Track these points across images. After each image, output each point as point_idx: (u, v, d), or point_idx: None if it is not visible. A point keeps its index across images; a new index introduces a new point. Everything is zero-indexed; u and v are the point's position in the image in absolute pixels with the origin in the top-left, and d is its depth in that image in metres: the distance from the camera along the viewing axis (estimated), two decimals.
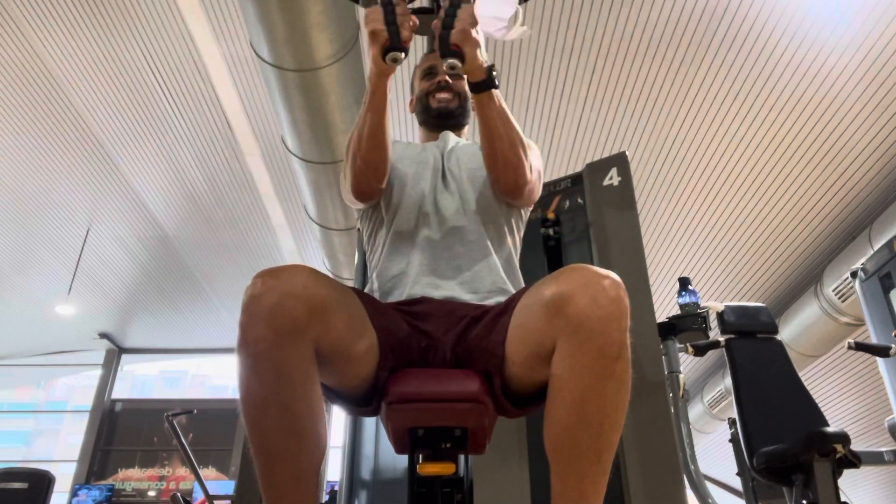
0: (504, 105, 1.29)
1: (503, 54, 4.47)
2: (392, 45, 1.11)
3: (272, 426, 0.99)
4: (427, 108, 1.60)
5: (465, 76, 1.63)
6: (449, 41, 1.09)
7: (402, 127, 5.21)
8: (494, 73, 1.18)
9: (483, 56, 1.18)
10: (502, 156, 1.33)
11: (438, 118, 1.59)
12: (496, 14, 1.19)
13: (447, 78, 1.59)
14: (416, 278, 1.33)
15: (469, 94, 1.63)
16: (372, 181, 1.37)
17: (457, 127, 1.61)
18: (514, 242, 1.47)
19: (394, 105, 4.97)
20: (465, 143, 1.57)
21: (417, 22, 1.15)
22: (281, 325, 0.95)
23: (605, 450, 1.00)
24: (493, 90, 1.22)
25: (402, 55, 1.11)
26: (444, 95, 1.58)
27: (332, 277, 1.08)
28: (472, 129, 1.69)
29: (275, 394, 0.98)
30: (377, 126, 1.28)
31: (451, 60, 1.09)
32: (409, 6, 2.10)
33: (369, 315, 1.16)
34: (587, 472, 1.00)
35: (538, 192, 1.49)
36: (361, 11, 3.95)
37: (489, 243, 1.39)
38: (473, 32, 1.12)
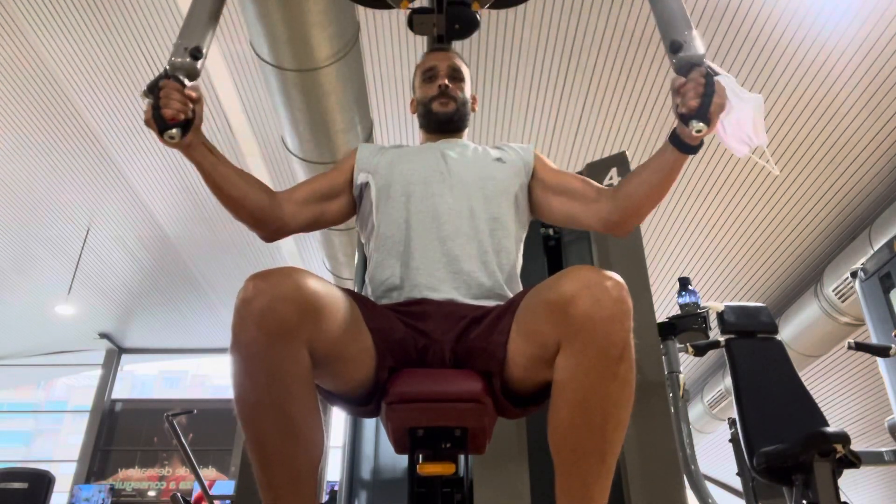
0: None
1: (503, 54, 4.47)
2: (161, 127, 1.17)
3: (266, 428, 0.99)
4: (428, 114, 1.60)
5: (466, 80, 1.65)
6: (709, 108, 1.12)
7: (401, 127, 5.21)
8: (701, 143, 1.22)
9: None
10: (653, 205, 1.35)
11: (439, 123, 1.59)
12: (749, 131, 1.25)
13: (446, 83, 1.60)
14: (412, 283, 1.33)
15: (468, 98, 1.64)
16: (256, 230, 1.44)
17: (457, 131, 1.61)
18: (517, 250, 1.46)
19: (393, 106, 4.97)
20: (472, 147, 1.56)
21: (193, 94, 1.21)
22: (272, 328, 0.95)
23: (610, 450, 1.01)
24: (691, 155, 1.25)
25: (176, 130, 1.17)
26: (444, 102, 1.59)
27: (325, 279, 1.08)
28: (470, 128, 1.69)
29: (268, 396, 0.98)
30: (217, 194, 1.34)
31: (700, 125, 1.12)
32: (411, 5, 2.10)
33: (364, 317, 1.16)
34: (592, 472, 1.01)
35: None
36: (360, 10, 3.89)
37: (490, 250, 1.38)
38: (724, 105, 1.16)
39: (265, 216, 1.40)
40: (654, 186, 1.29)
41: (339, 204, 1.52)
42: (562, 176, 1.52)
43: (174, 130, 1.17)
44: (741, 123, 1.22)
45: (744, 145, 1.24)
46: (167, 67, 1.23)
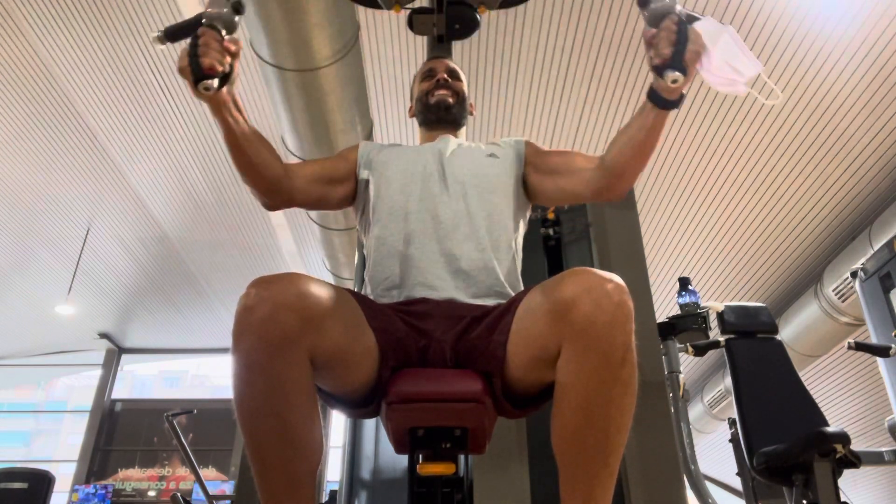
0: None
1: (503, 54, 4.47)
2: (197, 76, 1.11)
3: (266, 434, 0.99)
4: (427, 106, 1.61)
5: (464, 82, 1.66)
6: (683, 56, 1.09)
7: (401, 127, 5.21)
8: (684, 94, 1.19)
9: None
10: (640, 166, 1.33)
11: (437, 112, 1.60)
12: (736, 65, 1.16)
13: (445, 76, 1.61)
14: (411, 282, 1.33)
15: (466, 96, 1.65)
16: (260, 195, 1.40)
17: (455, 124, 1.62)
18: (516, 247, 1.46)
19: (393, 106, 4.97)
20: (466, 144, 1.57)
21: (232, 46, 1.15)
22: (273, 337, 0.95)
23: (612, 452, 1.01)
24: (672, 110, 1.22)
25: (213, 82, 1.12)
26: (443, 92, 1.59)
27: (327, 282, 1.08)
28: (470, 129, 1.69)
29: (267, 403, 0.98)
30: (234, 150, 1.29)
31: (676, 74, 1.09)
32: (409, 6, 2.10)
33: (366, 316, 1.16)
34: (595, 474, 1.01)
35: None
36: (360, 10, 3.92)
37: (489, 247, 1.38)
38: (701, 53, 1.12)
39: (278, 186, 1.38)
40: (637, 147, 1.27)
41: (344, 190, 1.52)
42: (551, 156, 1.51)
43: (210, 81, 1.11)
44: (726, 62, 1.16)
45: (736, 84, 1.17)
46: (203, 16, 1.17)
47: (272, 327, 0.95)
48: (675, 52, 1.09)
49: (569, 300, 0.98)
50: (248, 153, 1.29)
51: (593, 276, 1.00)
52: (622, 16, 4.15)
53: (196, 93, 1.13)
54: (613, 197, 1.37)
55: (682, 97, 1.18)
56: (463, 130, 1.65)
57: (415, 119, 1.69)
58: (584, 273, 1.01)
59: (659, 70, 1.10)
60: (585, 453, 1.01)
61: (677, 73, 1.09)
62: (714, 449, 8.05)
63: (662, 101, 1.17)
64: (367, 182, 1.50)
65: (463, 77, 1.68)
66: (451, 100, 1.60)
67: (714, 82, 1.17)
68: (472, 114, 1.69)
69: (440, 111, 1.59)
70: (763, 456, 2.44)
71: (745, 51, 1.16)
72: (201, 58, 1.11)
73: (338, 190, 1.51)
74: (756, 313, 2.94)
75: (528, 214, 1.55)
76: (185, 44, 1.17)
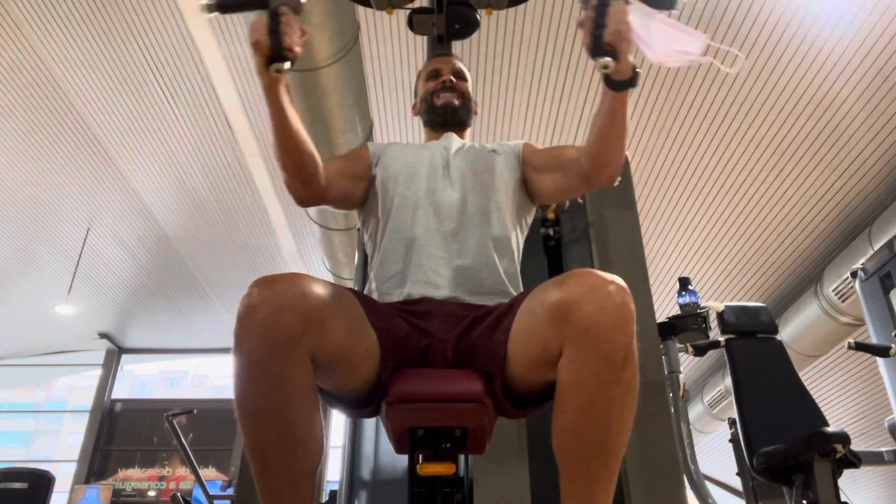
0: None
1: (503, 54, 4.47)
2: (274, 55, 1.08)
3: (267, 434, 0.99)
4: (432, 108, 1.61)
5: (469, 82, 1.67)
6: (602, 40, 1.04)
7: (401, 127, 5.21)
8: (638, 71, 1.13)
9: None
10: (615, 150, 1.27)
11: (444, 115, 1.60)
12: (678, 48, 1.13)
13: (452, 78, 1.61)
14: (414, 278, 1.33)
15: (471, 95, 1.65)
16: (299, 186, 1.34)
17: (461, 126, 1.62)
18: (518, 245, 1.47)
19: (393, 106, 4.97)
20: (471, 144, 1.57)
21: (307, 31, 1.12)
22: (275, 337, 0.95)
23: (613, 453, 1.01)
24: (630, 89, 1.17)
25: (287, 65, 1.08)
26: (449, 94, 1.59)
27: (329, 282, 1.08)
28: (474, 130, 1.70)
29: (269, 403, 0.98)
30: (283, 135, 1.25)
31: (604, 59, 1.04)
32: (409, 6, 2.09)
33: (368, 316, 1.16)
34: (595, 474, 1.01)
35: None
36: (360, 10, 3.90)
37: (492, 244, 1.38)
38: (626, 31, 1.07)
39: (314, 175, 1.34)
40: (605, 131, 1.23)
41: (364, 187, 1.49)
42: (545, 152, 1.51)
43: (285, 63, 1.08)
44: (668, 39, 1.11)
45: (684, 56, 1.12)
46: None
47: (275, 327, 0.95)
48: (594, 37, 1.04)
49: (571, 301, 0.98)
50: (293, 142, 1.26)
51: (596, 278, 1.00)
52: None
53: (263, 72, 1.10)
54: (604, 183, 1.33)
55: (635, 75, 1.12)
56: (468, 131, 1.65)
57: (418, 118, 1.70)
58: (586, 274, 1.01)
59: (590, 55, 1.06)
60: (586, 454, 1.01)
61: (607, 59, 1.04)
62: (714, 449, 8.05)
63: (613, 83, 1.13)
64: (373, 177, 1.50)
65: (468, 76, 1.68)
66: (456, 102, 1.60)
67: (664, 61, 1.13)
68: (475, 113, 1.70)
69: (446, 114, 1.59)
70: (763, 456, 2.45)
71: (682, 29, 1.12)
72: (283, 35, 1.07)
73: (359, 186, 1.48)
74: (756, 313, 2.95)
75: (530, 217, 1.56)
76: (242, 17, 1.11)
